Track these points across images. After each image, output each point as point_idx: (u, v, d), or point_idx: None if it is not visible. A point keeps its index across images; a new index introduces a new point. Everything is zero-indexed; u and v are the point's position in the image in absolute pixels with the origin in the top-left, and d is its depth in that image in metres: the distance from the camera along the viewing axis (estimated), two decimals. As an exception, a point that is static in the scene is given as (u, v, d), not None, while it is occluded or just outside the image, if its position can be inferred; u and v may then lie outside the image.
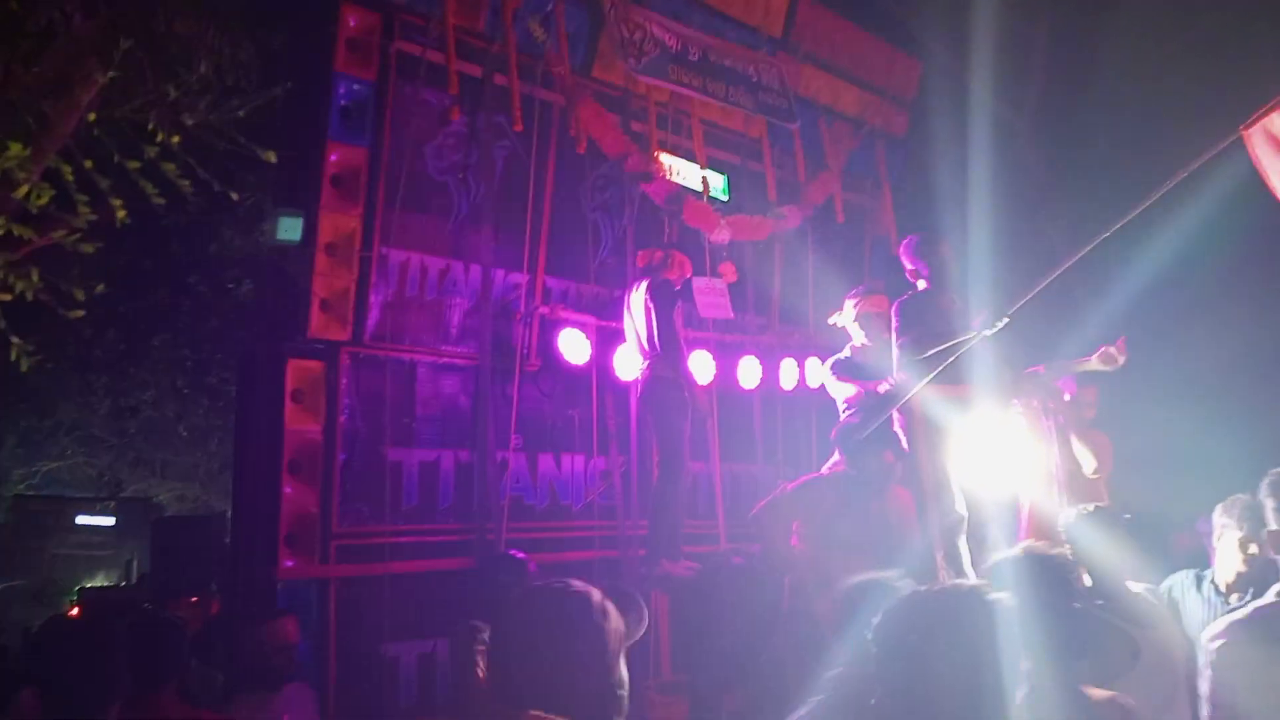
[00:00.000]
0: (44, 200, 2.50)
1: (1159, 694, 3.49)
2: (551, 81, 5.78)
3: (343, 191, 5.17)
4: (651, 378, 5.49)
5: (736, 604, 4.57)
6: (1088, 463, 4.85)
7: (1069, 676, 2.38)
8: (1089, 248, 3.69)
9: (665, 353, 5.43)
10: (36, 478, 17.31)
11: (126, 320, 9.73)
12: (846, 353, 5.53)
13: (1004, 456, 4.66)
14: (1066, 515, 3.73)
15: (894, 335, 4.68)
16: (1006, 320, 4.04)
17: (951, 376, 4.49)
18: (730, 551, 5.87)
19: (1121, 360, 4.61)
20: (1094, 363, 4.75)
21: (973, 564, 4.54)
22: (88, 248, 2.56)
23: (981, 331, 4.34)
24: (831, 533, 4.59)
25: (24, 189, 2.45)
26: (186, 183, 2.72)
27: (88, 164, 2.64)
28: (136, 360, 10.15)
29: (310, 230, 5.09)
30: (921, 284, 4.86)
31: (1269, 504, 3.67)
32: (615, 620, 1.80)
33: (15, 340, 2.52)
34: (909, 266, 4.90)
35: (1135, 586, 3.58)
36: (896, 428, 4.61)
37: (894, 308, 4.79)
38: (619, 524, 6.06)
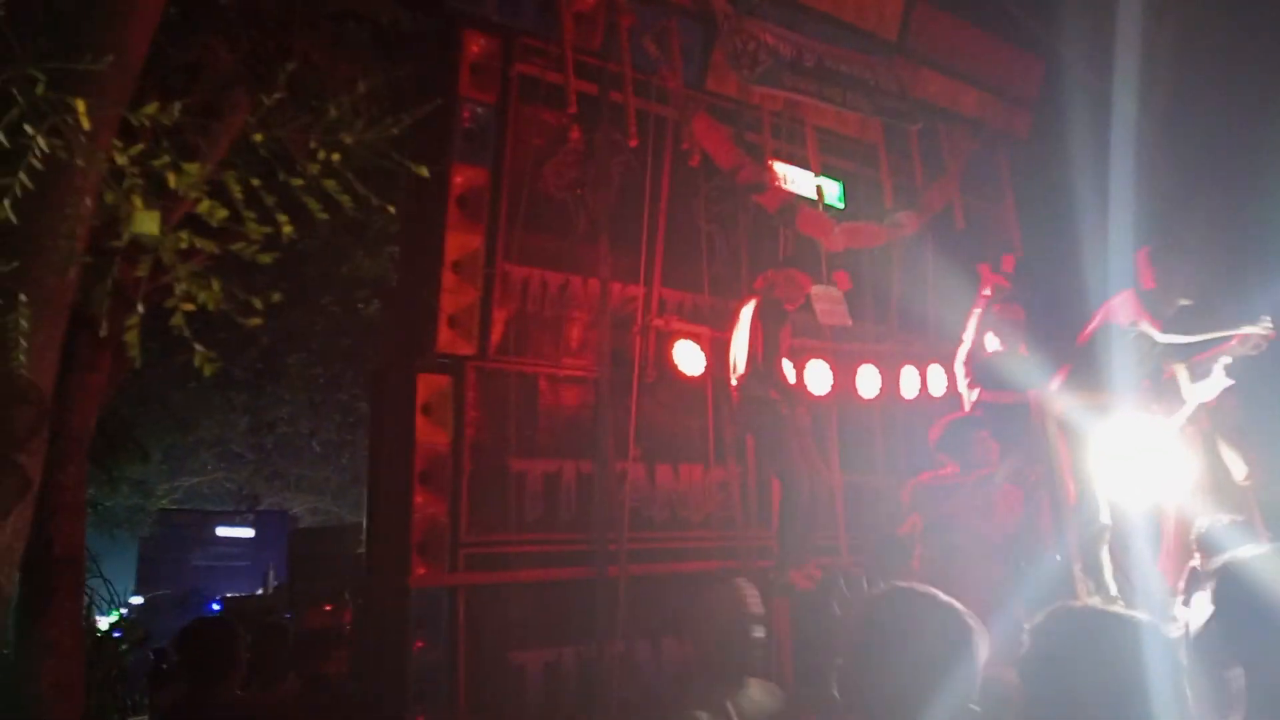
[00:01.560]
0: (221, 215, 2.68)
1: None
2: (666, 96, 5.86)
3: (467, 211, 5.35)
4: (743, 398, 5.48)
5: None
6: (1237, 469, 4.61)
7: None
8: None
9: (765, 371, 5.40)
10: (179, 492, 18.32)
11: (264, 341, 10.23)
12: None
13: (1148, 465, 4.47)
14: (1201, 523, 3.57)
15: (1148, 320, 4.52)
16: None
17: (1092, 383, 4.35)
18: (852, 564, 5.82)
19: (1264, 342, 4.33)
20: (1235, 348, 4.49)
21: (1114, 576, 4.38)
22: (265, 258, 2.73)
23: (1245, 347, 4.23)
24: (951, 539, 4.52)
25: (205, 204, 2.64)
26: (346, 198, 2.87)
27: (254, 182, 2.82)
28: (273, 379, 10.66)
29: (438, 249, 5.28)
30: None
31: None
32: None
33: (199, 348, 2.70)
34: (1144, 271, 4.77)
35: None
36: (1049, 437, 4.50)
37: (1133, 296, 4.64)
38: (737, 534, 6.05)
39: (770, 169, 6.18)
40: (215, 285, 2.69)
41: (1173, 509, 4.57)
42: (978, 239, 7.55)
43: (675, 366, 5.96)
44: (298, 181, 2.82)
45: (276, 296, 2.83)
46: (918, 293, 7.00)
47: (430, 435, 5.16)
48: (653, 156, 5.92)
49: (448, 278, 5.22)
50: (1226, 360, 4.48)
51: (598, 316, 5.81)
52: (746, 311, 5.55)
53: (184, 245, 2.71)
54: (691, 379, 6.00)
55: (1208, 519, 3.66)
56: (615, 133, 5.74)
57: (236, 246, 2.75)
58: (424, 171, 3.11)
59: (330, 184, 2.86)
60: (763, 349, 5.35)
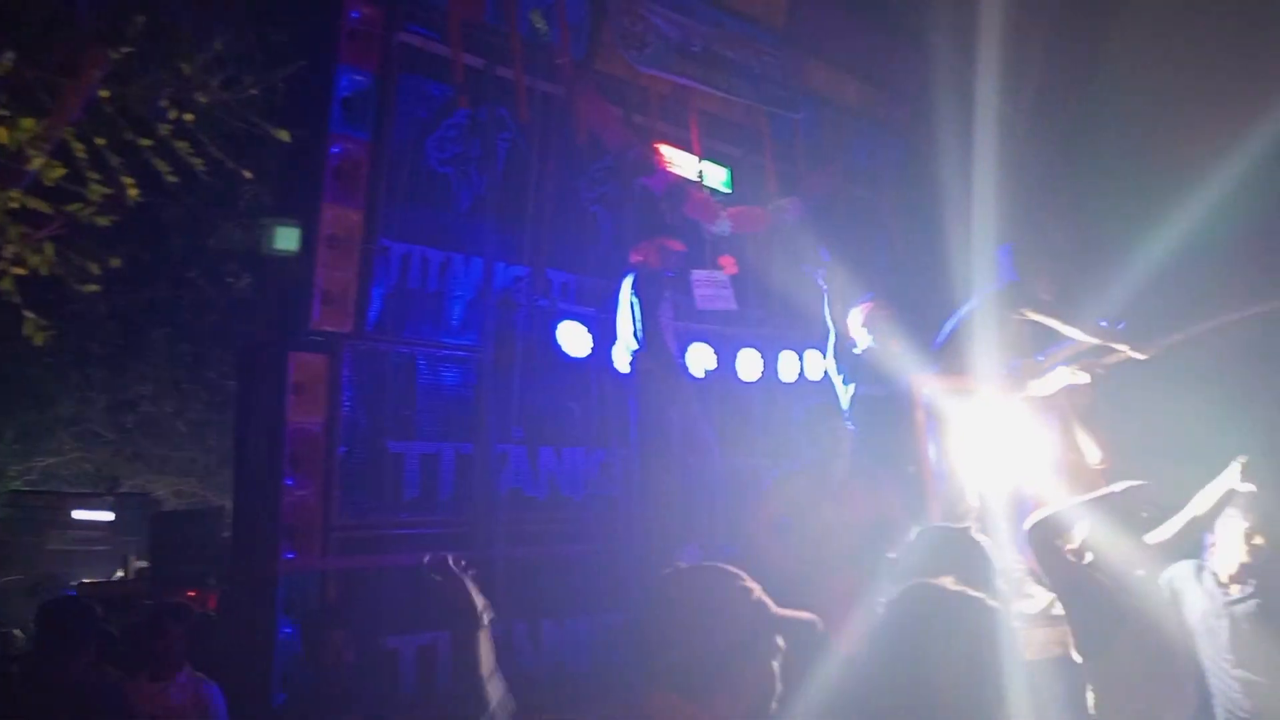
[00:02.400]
0: (57, 174, 2.49)
1: (1164, 682, 3.52)
2: (554, 73, 5.78)
3: (345, 184, 5.16)
4: (637, 370, 5.51)
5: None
6: (1091, 453, 4.86)
7: None
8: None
9: (649, 346, 5.42)
10: (34, 473, 17.28)
11: (125, 315, 9.70)
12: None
13: (1008, 447, 4.67)
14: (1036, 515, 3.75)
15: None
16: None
17: (956, 367, 4.51)
18: (725, 544, 5.90)
19: (1123, 345, 4.59)
20: (1093, 353, 4.75)
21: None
22: (102, 220, 2.56)
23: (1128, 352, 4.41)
24: (813, 525, 4.63)
25: (38, 160, 2.44)
26: (199, 160, 2.71)
27: (99, 141, 2.63)
28: (135, 355, 10.13)
29: (312, 223, 5.09)
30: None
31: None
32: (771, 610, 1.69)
33: (29, 315, 2.51)
34: (1004, 265, 4.93)
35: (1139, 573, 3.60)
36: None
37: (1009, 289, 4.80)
38: (620, 515, 6.06)
39: (658, 151, 6.18)
40: (48, 249, 2.50)
41: (1032, 492, 4.79)
42: (857, 227, 7.73)
43: (560, 347, 5.92)
44: (146, 142, 2.64)
45: (116, 262, 2.66)
46: (797, 278, 7.12)
47: (302, 416, 4.97)
48: (540, 134, 5.83)
49: (323, 253, 5.03)
50: (1074, 360, 4.73)
51: (481, 296, 5.72)
52: (626, 285, 5.56)
53: (15, 205, 2.50)
54: (576, 360, 5.97)
55: (1042, 510, 3.84)
56: (501, 108, 5.64)
57: (73, 207, 2.57)
58: (285, 135, 2.98)
59: (183, 145, 2.70)
60: (645, 324, 5.35)
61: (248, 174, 2.98)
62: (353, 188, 5.15)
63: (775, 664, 1.64)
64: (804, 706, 2.45)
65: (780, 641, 1.65)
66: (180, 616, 4.57)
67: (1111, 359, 4.66)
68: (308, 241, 5.06)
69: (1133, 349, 4.50)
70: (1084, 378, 4.85)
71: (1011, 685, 1.72)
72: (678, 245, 5.70)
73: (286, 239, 4.97)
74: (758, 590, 1.67)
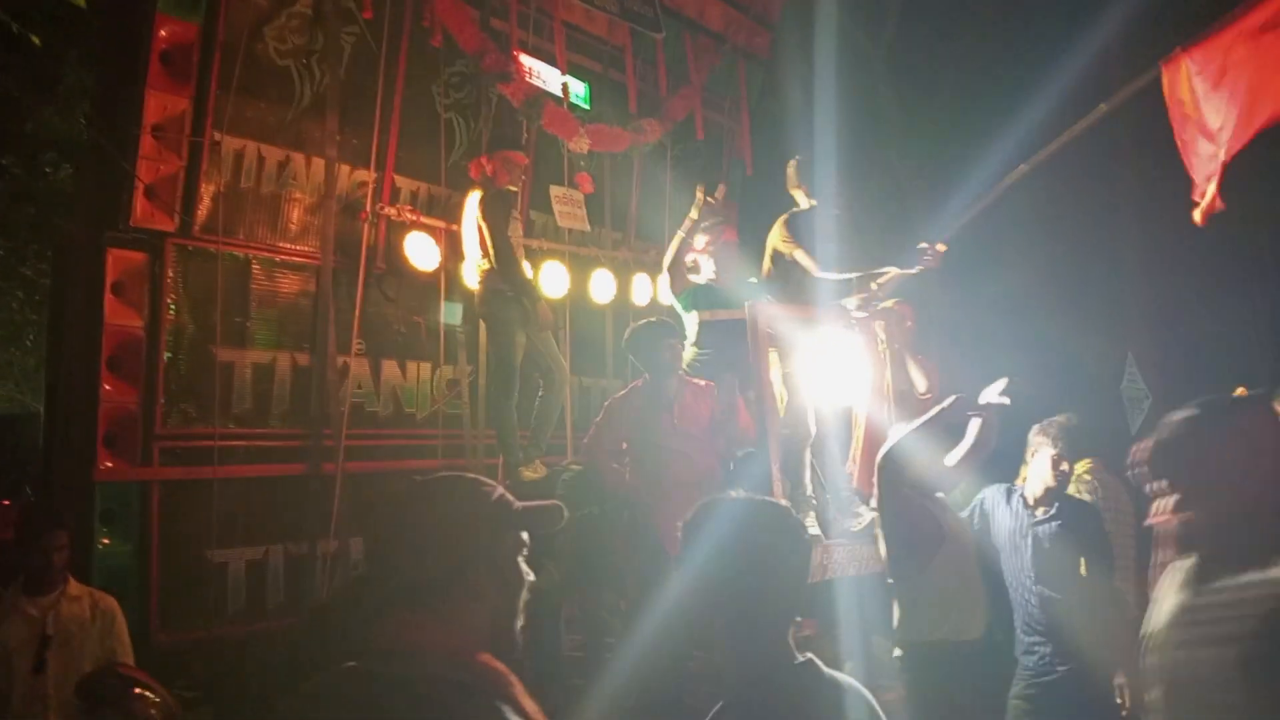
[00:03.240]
0: None
1: (967, 600, 3.76)
2: (405, -33, 5.49)
3: (172, 70, 4.80)
4: (486, 290, 5.39)
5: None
6: (919, 382, 5.08)
7: None
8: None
9: (500, 266, 5.31)
10: None
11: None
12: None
13: (841, 374, 4.83)
14: (894, 432, 3.92)
15: (789, 245, 4.73)
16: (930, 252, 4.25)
17: (795, 295, 4.60)
18: (570, 462, 5.94)
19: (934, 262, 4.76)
20: (891, 279, 4.91)
21: (810, 479, 4.72)
22: None
23: (904, 270, 4.51)
24: (653, 444, 4.71)
25: None
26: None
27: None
28: (-57, 246, 9.30)
29: (137, 110, 4.72)
30: (805, 202, 4.92)
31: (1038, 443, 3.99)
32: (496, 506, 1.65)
33: None
34: (794, 182, 4.96)
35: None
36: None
37: (783, 221, 4.84)
38: (464, 433, 6.00)
39: (517, 59, 5.98)
40: None
41: (862, 416, 4.99)
42: (714, 152, 7.75)
43: (407, 259, 5.73)
44: None
45: None
46: (654, 201, 7.11)
47: (121, 317, 4.69)
48: (390, 31, 5.55)
49: (146, 143, 4.69)
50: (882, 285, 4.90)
51: (323, 200, 5.46)
52: (471, 204, 5.40)
53: None
54: (424, 273, 5.80)
55: (899, 429, 4.00)
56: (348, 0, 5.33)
57: None
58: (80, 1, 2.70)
59: None
60: (496, 243, 5.22)
61: (35, 39, 2.70)
62: (181, 74, 4.80)
63: (520, 560, 1.63)
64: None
65: (525, 537, 1.64)
66: (61, 523, 3.90)
67: (885, 279, 4.85)
68: (130, 130, 4.69)
69: (901, 267, 4.68)
70: (900, 307, 5.05)
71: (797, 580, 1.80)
72: (520, 158, 5.55)
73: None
74: (499, 489, 1.67)
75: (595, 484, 5.03)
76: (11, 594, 3.76)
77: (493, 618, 1.57)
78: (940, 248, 4.57)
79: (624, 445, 4.99)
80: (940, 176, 7.09)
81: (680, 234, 5.52)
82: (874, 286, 4.87)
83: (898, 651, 3.78)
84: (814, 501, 4.83)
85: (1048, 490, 3.99)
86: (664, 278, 5.73)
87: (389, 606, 1.55)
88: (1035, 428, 4.09)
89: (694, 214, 5.55)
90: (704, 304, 5.45)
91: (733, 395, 5.14)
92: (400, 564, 1.56)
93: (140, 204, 4.72)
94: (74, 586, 3.86)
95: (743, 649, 1.72)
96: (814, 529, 4.63)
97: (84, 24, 5.29)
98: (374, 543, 1.73)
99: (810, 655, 1.73)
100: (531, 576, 1.63)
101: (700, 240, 5.51)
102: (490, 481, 1.67)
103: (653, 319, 5.11)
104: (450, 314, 5.92)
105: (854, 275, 4.70)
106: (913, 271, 4.61)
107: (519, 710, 1.49)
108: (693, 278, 5.54)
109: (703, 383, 4.91)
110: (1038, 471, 4.02)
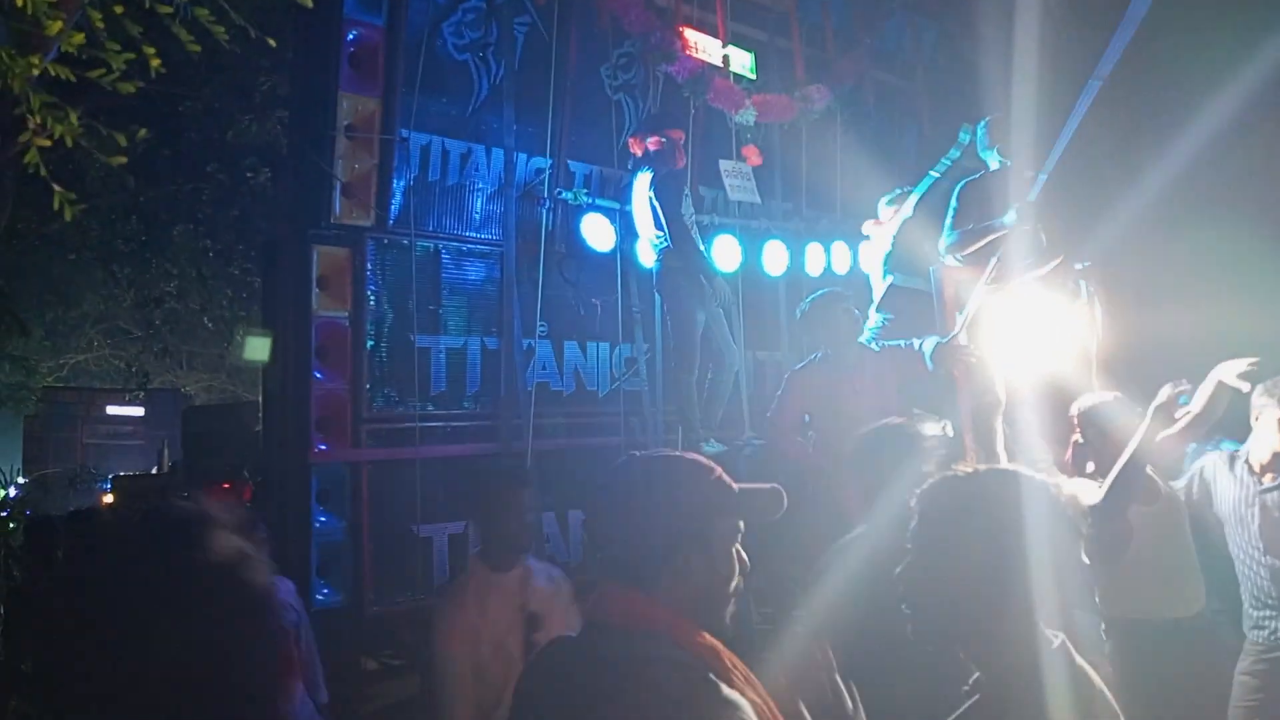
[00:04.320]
0: (77, 40, 2.41)
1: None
2: (572, -46, 5.57)
3: (361, 72, 5.04)
4: (664, 268, 5.46)
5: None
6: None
7: None
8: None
9: (676, 244, 5.37)
10: (65, 370, 17.59)
11: (147, 210, 9.68)
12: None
13: (1040, 339, 4.62)
14: (1083, 400, 3.74)
15: (951, 217, 4.61)
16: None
17: (986, 258, 4.43)
18: (751, 437, 5.94)
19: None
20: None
21: (1004, 447, 4.55)
22: (127, 87, 2.48)
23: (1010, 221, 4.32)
24: (836, 417, 4.63)
25: (57, 25, 2.35)
26: (221, 29, 2.62)
27: (117, 9, 2.54)
28: (158, 251, 10.14)
29: (329, 112, 4.99)
30: (996, 164, 4.75)
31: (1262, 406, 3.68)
32: (723, 490, 1.64)
33: (58, 188, 2.46)
34: (989, 146, 4.80)
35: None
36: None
37: (960, 189, 4.70)
38: (645, 409, 6.09)
39: (681, 35, 5.98)
40: (72, 116, 2.44)
41: (1058, 383, 4.75)
42: (887, 116, 7.52)
43: (584, 241, 5.86)
44: (166, 9, 2.56)
45: (143, 132, 2.60)
46: (825, 169, 6.97)
47: (328, 308, 4.98)
48: (559, 18, 5.65)
49: (342, 143, 4.95)
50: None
51: (503, 188, 5.64)
52: (641, 183, 5.46)
53: (35, 71, 2.44)
54: (600, 253, 5.91)
55: (1090, 397, 3.82)
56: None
57: (95, 74, 2.49)
58: (308, 1, 2.87)
59: (202, 12, 2.61)
60: (671, 223, 5.27)
61: (272, 41, 2.88)
62: (370, 75, 5.04)
63: (735, 547, 1.61)
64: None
65: (741, 524, 1.62)
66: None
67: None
68: (325, 132, 4.97)
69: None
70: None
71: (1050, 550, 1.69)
72: (678, 134, 5.57)
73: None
74: (718, 471, 1.65)
75: (777, 457, 5.02)
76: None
77: (702, 601, 1.57)
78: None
79: (806, 418, 4.96)
80: (1134, 126, 6.65)
81: (934, 174, 5.38)
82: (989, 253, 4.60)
83: (1103, 626, 3.63)
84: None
85: (1275, 455, 3.70)
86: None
87: (603, 579, 1.58)
88: (1260, 388, 3.78)
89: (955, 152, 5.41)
90: (894, 268, 5.33)
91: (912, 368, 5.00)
92: (614, 539, 1.59)
93: (340, 202, 4.99)
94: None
95: (1006, 635, 1.64)
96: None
97: (276, 33, 5.60)
98: (592, 517, 1.76)
99: (1062, 636, 1.65)
100: (746, 564, 1.62)
101: (885, 211, 5.39)
102: (709, 462, 1.66)
103: (824, 290, 5.04)
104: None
105: (975, 246, 4.45)
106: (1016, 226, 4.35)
107: (734, 686, 1.49)
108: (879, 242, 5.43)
109: (887, 350, 4.80)
110: (1266, 435, 3.73)
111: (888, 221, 5.45)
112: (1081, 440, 3.77)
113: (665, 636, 1.50)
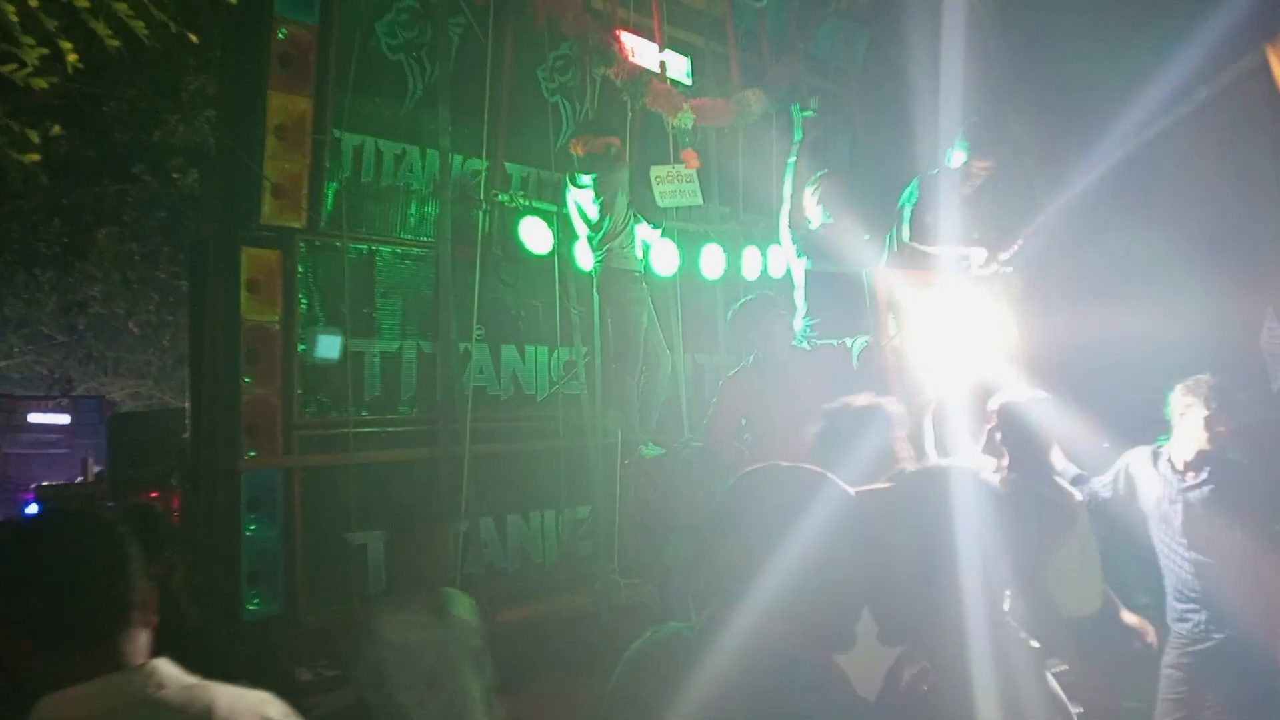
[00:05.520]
0: (-14, 35, 2.33)
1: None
2: (508, -45, 5.54)
3: (291, 71, 4.95)
4: (607, 271, 5.46)
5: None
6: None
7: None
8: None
9: (617, 242, 5.39)
10: (-16, 377, 16.97)
11: (71, 212, 9.39)
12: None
13: (967, 338, 4.71)
14: (995, 403, 3.81)
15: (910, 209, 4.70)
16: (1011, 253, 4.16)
17: (917, 260, 4.51)
18: (690, 439, 5.96)
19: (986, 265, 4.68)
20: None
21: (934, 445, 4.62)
22: (40, 83, 2.40)
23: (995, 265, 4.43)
24: (771, 420, 4.68)
25: None
26: (140, 23, 2.54)
27: (32, 3, 2.46)
28: (82, 254, 9.84)
29: (259, 112, 4.90)
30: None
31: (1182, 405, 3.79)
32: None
33: None
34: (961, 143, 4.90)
35: (1060, 463, 3.70)
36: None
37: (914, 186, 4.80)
38: (584, 412, 6.07)
39: (618, 39, 5.98)
40: (-17, 114, 2.35)
41: (986, 380, 4.86)
42: (821, 119, 7.60)
43: (521, 244, 5.82)
44: (83, 3, 2.48)
45: (57, 128, 2.52)
46: (762, 173, 7.03)
47: (257, 312, 4.88)
48: (495, 19, 5.62)
49: (271, 143, 4.86)
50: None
51: (438, 190, 5.58)
52: (586, 185, 5.47)
53: None
54: (538, 256, 5.88)
55: (1010, 393, 3.90)
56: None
57: (7, 69, 2.40)
58: (228, -6, 2.80)
59: (120, 6, 2.53)
60: (609, 221, 5.28)
61: (194, 37, 2.81)
62: (300, 74, 4.95)
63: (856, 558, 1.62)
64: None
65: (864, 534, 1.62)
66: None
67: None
68: (254, 132, 4.87)
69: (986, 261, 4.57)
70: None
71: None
72: (615, 142, 5.61)
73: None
74: (834, 479, 1.65)
75: (714, 460, 5.04)
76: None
77: (831, 620, 1.57)
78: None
79: (743, 422, 4.99)
80: (1057, 132, 6.83)
81: (792, 159, 5.49)
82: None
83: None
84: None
85: (1199, 454, 3.81)
86: (783, 213, 5.67)
87: (721, 599, 1.58)
88: (1180, 387, 3.88)
89: (798, 135, 5.51)
90: (813, 254, 5.39)
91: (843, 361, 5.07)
92: (727, 552, 1.60)
93: (269, 203, 4.90)
94: None
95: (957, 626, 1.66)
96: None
97: (203, 31, 5.48)
98: (712, 531, 1.72)
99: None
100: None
101: (812, 189, 5.46)
102: (823, 473, 1.66)
103: (753, 295, 5.09)
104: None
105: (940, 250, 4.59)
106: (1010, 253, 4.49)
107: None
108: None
109: (815, 351, 4.86)
110: (1189, 433, 3.83)
111: (811, 205, 5.53)
112: (999, 436, 3.81)
113: (794, 654, 1.53)
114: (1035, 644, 1.72)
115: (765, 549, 1.57)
